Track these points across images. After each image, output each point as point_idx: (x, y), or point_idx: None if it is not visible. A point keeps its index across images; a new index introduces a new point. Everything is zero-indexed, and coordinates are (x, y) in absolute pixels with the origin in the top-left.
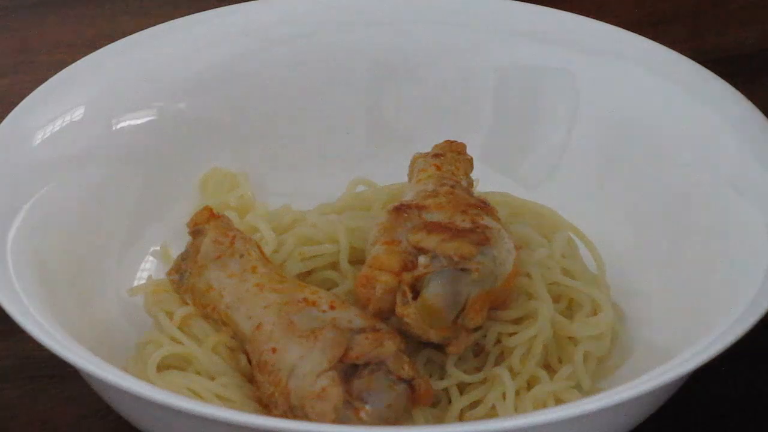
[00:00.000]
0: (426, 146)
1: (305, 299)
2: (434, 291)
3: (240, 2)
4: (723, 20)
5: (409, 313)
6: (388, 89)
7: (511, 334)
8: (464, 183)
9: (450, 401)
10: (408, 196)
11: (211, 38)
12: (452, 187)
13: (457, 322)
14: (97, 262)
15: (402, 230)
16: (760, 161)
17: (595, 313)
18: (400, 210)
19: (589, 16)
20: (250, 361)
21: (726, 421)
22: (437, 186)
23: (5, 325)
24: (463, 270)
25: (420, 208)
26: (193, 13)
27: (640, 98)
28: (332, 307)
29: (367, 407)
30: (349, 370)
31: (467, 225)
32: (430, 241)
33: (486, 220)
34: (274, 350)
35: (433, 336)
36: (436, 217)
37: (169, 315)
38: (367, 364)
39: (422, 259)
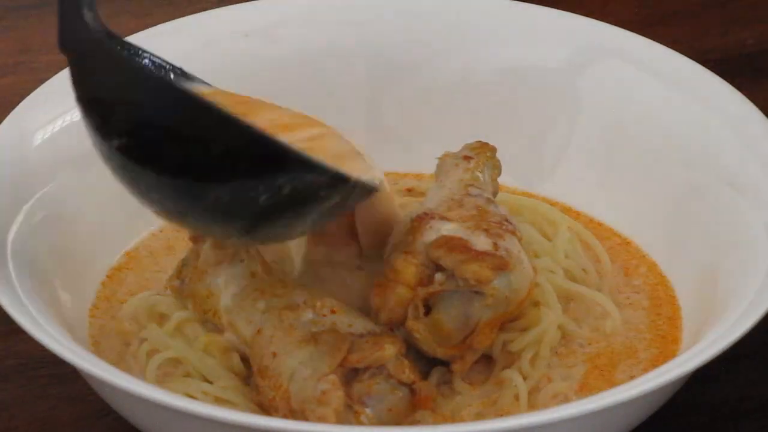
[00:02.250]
0: (426, 148)
1: (305, 303)
2: (446, 311)
3: (240, 2)
4: (723, 20)
5: (418, 328)
6: (388, 90)
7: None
8: (491, 189)
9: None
10: (432, 202)
11: (211, 38)
12: (477, 196)
13: (465, 342)
14: (97, 262)
15: (422, 241)
16: (760, 161)
17: (600, 315)
18: (423, 220)
19: (589, 16)
20: (251, 365)
21: (726, 422)
22: (463, 195)
23: (5, 325)
24: (477, 293)
25: (443, 219)
26: (193, 13)
27: (641, 98)
28: (333, 312)
29: (368, 411)
30: (349, 374)
31: (488, 246)
32: (449, 260)
33: (508, 241)
34: (274, 355)
35: (440, 353)
36: (458, 231)
37: (165, 318)
38: (367, 368)
39: (438, 276)
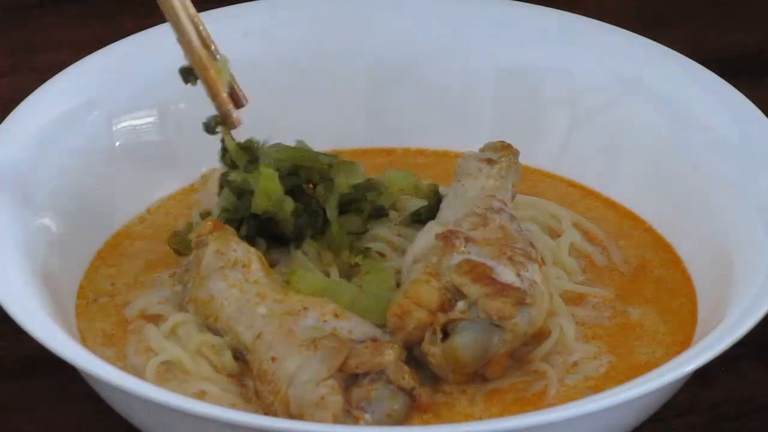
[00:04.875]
0: (425, 147)
1: (306, 309)
2: (464, 341)
3: (240, 2)
4: (723, 20)
5: (434, 353)
6: (388, 90)
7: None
8: (510, 195)
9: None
10: (454, 212)
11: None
12: (501, 212)
13: (478, 370)
14: (97, 262)
15: (447, 261)
16: (761, 161)
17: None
18: (449, 240)
19: (589, 16)
20: (250, 368)
21: (726, 422)
22: (486, 209)
23: (5, 325)
24: (497, 326)
25: (468, 240)
26: None
27: (641, 98)
28: (334, 317)
29: (367, 416)
30: (349, 379)
31: (512, 277)
32: (472, 290)
33: (530, 271)
34: (273, 359)
35: (451, 378)
36: (483, 256)
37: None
38: (367, 374)
39: (460, 305)
